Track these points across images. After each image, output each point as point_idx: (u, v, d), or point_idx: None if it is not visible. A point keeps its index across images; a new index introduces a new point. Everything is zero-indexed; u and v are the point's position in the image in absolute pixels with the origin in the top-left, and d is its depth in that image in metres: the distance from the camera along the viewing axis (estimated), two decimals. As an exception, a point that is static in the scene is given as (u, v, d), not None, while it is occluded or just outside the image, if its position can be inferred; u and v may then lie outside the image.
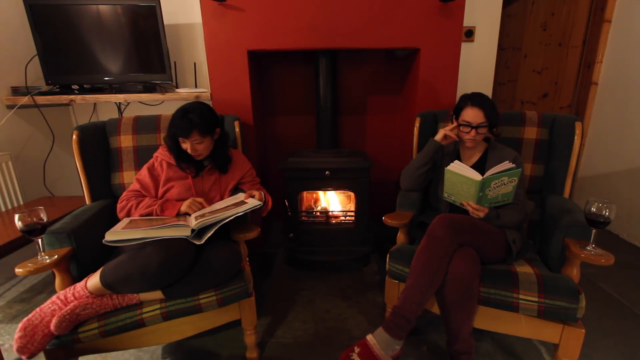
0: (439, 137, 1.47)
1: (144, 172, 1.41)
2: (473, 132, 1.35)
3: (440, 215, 1.27)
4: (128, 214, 1.33)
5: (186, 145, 1.34)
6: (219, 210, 1.24)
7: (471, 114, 1.35)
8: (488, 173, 1.21)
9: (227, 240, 1.33)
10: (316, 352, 1.43)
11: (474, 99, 1.37)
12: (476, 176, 1.21)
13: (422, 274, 1.18)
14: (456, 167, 1.27)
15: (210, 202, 1.40)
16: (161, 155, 1.43)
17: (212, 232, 1.18)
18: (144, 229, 1.14)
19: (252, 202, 1.27)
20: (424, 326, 1.56)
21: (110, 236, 1.12)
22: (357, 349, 1.17)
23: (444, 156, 1.53)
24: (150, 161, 1.44)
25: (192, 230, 1.14)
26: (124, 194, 1.39)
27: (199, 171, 1.43)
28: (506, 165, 1.23)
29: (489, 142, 1.47)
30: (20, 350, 1.00)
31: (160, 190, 1.39)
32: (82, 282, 1.12)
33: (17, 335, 1.01)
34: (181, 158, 1.39)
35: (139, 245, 1.12)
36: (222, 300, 1.22)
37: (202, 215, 1.21)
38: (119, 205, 1.36)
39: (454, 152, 1.52)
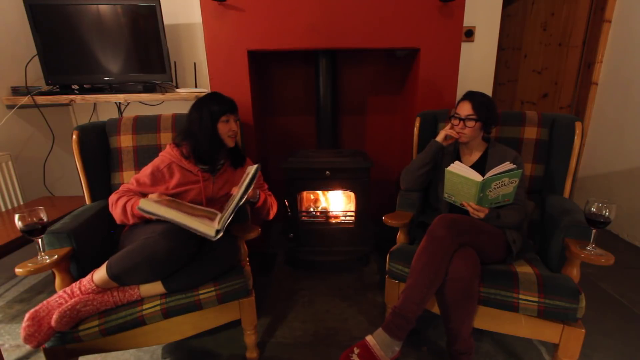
0: (440, 137, 1.48)
1: (145, 173, 1.34)
2: (461, 124, 1.39)
3: (440, 215, 1.27)
4: (112, 209, 1.28)
5: (227, 127, 1.37)
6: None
7: (460, 107, 1.40)
8: (489, 174, 1.21)
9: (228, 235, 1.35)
10: (316, 352, 1.43)
11: (467, 93, 1.42)
12: (477, 177, 1.21)
13: (423, 274, 1.18)
14: (457, 168, 1.27)
15: (221, 202, 1.42)
16: (172, 157, 1.36)
17: (229, 220, 1.17)
18: (175, 210, 1.14)
19: (251, 170, 1.27)
20: (424, 326, 1.56)
21: (145, 205, 1.12)
22: (356, 350, 1.17)
23: (444, 156, 1.53)
24: (156, 163, 1.36)
25: (217, 232, 1.12)
26: (120, 188, 1.31)
27: (213, 171, 1.42)
28: (507, 166, 1.23)
29: (489, 142, 1.47)
30: (28, 338, 1.01)
31: (171, 193, 1.35)
32: (89, 276, 1.13)
33: (24, 324, 1.01)
34: (213, 148, 1.37)
35: (144, 236, 1.14)
36: (222, 297, 1.22)
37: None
38: (110, 199, 1.29)
39: (453, 151, 1.52)
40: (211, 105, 1.34)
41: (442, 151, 1.53)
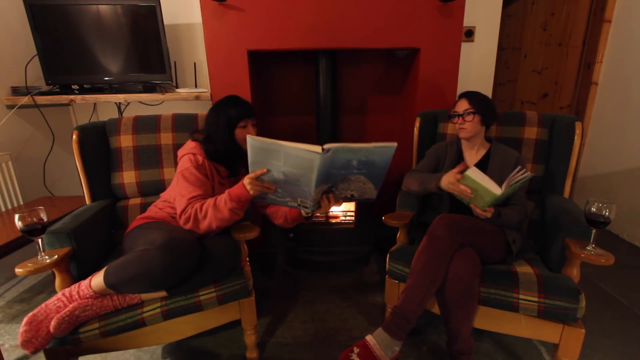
0: (444, 184, 1.31)
1: (192, 172, 1.26)
2: (460, 119, 1.41)
3: (440, 215, 1.27)
4: (196, 223, 1.19)
5: (245, 131, 1.34)
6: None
7: (458, 105, 1.44)
8: (506, 184, 1.17)
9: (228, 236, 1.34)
10: (316, 352, 1.43)
11: (463, 93, 1.45)
12: (496, 189, 1.17)
13: (423, 274, 1.18)
14: (476, 175, 1.20)
15: None
16: (200, 153, 1.32)
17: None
18: (277, 141, 1.03)
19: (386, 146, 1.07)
20: (424, 326, 1.56)
21: (251, 139, 1.02)
22: (356, 350, 1.17)
23: (447, 156, 1.53)
24: (191, 159, 1.29)
25: (323, 149, 0.97)
26: (184, 205, 1.20)
27: (233, 174, 1.41)
28: (522, 173, 1.18)
29: (491, 142, 1.48)
30: (25, 344, 1.00)
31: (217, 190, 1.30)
32: (87, 281, 1.12)
33: (22, 329, 1.00)
34: (230, 153, 1.35)
35: (144, 245, 1.10)
36: (222, 297, 1.22)
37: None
38: (182, 218, 1.20)
39: (457, 151, 1.51)
40: (228, 110, 1.32)
41: (445, 150, 1.54)
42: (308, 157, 0.98)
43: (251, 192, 1.12)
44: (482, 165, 1.43)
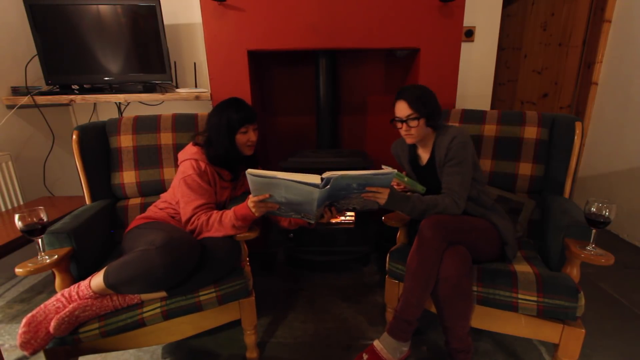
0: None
1: (194, 179, 1.28)
2: (404, 126, 1.29)
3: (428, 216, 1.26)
4: (200, 235, 1.26)
5: (246, 138, 1.35)
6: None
7: (397, 108, 1.30)
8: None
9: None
10: (316, 352, 1.43)
11: (398, 92, 1.30)
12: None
13: (416, 277, 1.19)
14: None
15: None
16: (202, 159, 1.33)
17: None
18: (276, 174, 1.07)
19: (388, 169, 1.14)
20: (424, 326, 1.56)
21: (251, 175, 1.06)
22: (365, 356, 1.21)
23: (402, 157, 1.51)
24: (193, 165, 1.30)
25: (322, 179, 1.03)
26: (189, 214, 1.26)
27: (236, 178, 1.43)
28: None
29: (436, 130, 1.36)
30: (24, 345, 1.00)
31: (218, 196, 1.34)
32: (87, 281, 1.11)
33: (21, 330, 1.00)
34: (231, 157, 1.37)
35: (144, 245, 1.11)
36: (222, 298, 1.22)
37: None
38: (188, 229, 1.26)
39: (410, 151, 1.47)
40: (230, 114, 1.32)
41: (399, 148, 1.51)
42: (307, 189, 1.04)
43: (256, 214, 1.20)
44: (431, 162, 1.36)
